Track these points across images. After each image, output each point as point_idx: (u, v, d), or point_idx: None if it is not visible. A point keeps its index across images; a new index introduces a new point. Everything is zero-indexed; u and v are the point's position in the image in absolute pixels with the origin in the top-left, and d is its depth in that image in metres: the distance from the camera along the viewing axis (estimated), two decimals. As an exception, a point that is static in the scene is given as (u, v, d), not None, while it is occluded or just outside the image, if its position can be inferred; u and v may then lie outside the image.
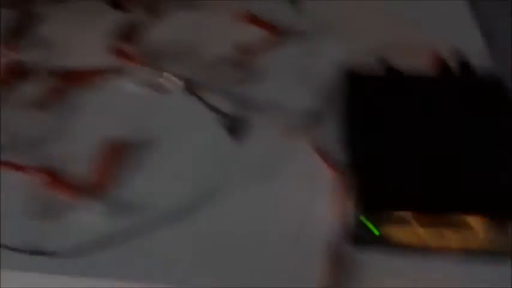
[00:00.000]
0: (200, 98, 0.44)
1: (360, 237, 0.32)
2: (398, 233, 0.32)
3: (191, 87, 0.46)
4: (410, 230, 0.32)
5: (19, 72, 0.49)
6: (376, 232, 0.32)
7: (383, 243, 0.32)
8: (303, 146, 0.41)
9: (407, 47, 0.48)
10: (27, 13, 0.57)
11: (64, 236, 0.36)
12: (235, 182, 0.39)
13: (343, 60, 0.47)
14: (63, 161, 0.41)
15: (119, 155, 0.41)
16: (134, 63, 0.49)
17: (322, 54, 0.50)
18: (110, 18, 0.56)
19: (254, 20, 0.54)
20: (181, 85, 0.46)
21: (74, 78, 0.48)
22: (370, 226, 0.31)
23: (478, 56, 0.47)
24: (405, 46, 0.48)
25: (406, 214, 0.31)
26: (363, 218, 0.31)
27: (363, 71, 0.41)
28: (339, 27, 0.53)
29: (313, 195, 0.38)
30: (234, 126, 0.41)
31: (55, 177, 0.39)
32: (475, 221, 0.31)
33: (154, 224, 0.36)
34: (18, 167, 0.39)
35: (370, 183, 0.32)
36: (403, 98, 0.38)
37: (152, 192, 0.39)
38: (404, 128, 0.35)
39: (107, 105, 0.46)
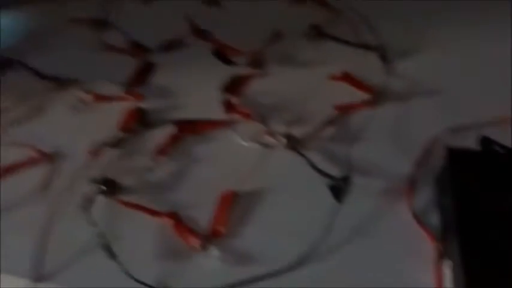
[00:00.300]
0: (302, 155, 0.49)
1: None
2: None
3: (293, 144, 0.50)
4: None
5: (141, 120, 0.57)
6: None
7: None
8: (401, 209, 0.44)
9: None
10: (146, 62, 0.65)
11: (186, 277, 0.41)
12: (334, 239, 0.42)
13: (438, 125, 0.50)
14: (183, 206, 0.47)
15: (232, 204, 0.46)
16: (242, 116, 0.55)
17: (418, 117, 0.53)
18: (219, 70, 0.62)
19: (351, 80, 0.57)
20: (284, 141, 0.50)
21: (190, 129, 0.54)
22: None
23: None
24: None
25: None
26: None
27: (463, 147, 0.43)
28: (435, 89, 0.56)
29: (408, 258, 0.40)
30: (336, 186, 0.45)
31: (179, 221, 0.45)
32: None
33: (261, 276, 0.40)
34: (147, 210, 0.46)
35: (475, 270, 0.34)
36: (502, 175, 0.40)
37: (260, 243, 0.43)
38: (503, 207, 0.37)
39: (218, 156, 0.52)
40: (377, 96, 0.55)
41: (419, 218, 0.43)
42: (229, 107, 0.56)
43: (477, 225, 0.37)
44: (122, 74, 0.63)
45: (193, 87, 0.61)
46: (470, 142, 0.46)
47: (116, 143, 0.54)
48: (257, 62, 0.62)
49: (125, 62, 0.66)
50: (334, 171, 0.47)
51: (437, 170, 0.45)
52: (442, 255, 0.39)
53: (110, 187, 0.48)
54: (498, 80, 0.56)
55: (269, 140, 0.52)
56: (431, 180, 0.46)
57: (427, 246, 0.41)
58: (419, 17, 0.66)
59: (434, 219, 0.43)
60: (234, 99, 0.57)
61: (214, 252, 0.42)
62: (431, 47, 0.62)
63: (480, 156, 0.42)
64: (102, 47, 0.68)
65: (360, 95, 0.56)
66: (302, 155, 0.49)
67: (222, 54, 0.64)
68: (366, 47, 0.62)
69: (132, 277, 0.41)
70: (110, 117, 0.57)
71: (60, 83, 0.63)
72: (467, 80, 0.57)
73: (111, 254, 0.42)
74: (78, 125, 0.58)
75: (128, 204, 0.47)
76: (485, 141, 0.45)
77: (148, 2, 0.77)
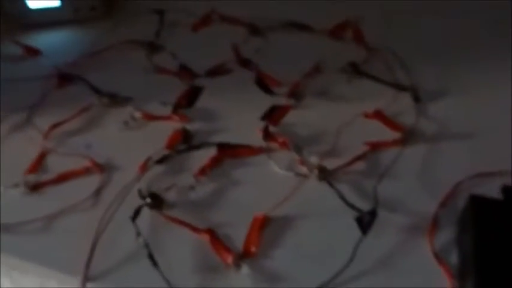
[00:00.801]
0: (333, 186, 0.52)
1: None
2: None
3: (325, 175, 0.54)
4: None
5: (186, 140, 0.62)
6: None
7: None
8: (422, 246, 0.47)
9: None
10: (193, 86, 0.71)
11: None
12: (356, 269, 0.46)
13: (465, 169, 0.52)
14: (219, 225, 0.51)
15: (264, 227, 0.50)
16: (278, 145, 0.59)
17: (445, 159, 0.56)
18: (259, 99, 0.67)
19: (383, 118, 0.61)
20: (316, 172, 0.54)
21: (230, 152, 0.59)
22: None
23: None
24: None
25: None
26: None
27: (485, 196, 0.46)
28: (464, 132, 0.59)
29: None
30: (362, 219, 0.48)
31: (215, 238, 0.49)
32: None
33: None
34: (187, 225, 0.51)
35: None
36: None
37: (287, 265, 0.47)
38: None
39: (254, 180, 0.56)
40: (407, 135, 0.58)
41: (439, 256, 0.46)
42: (267, 135, 0.60)
43: (493, 268, 0.40)
44: (170, 96, 0.69)
45: (235, 113, 0.66)
46: (496, 189, 0.48)
47: (161, 160, 0.59)
48: (296, 94, 0.66)
49: (174, 85, 0.71)
50: (361, 204, 0.50)
51: (460, 213, 0.48)
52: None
53: (155, 201, 0.53)
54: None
55: (302, 169, 0.56)
56: (454, 222, 0.49)
57: (445, 283, 0.44)
58: (452, 60, 0.70)
59: (454, 258, 0.46)
60: (272, 128, 0.62)
61: (245, 270, 0.46)
62: (463, 90, 0.65)
63: (501, 205, 0.45)
64: (154, 69, 0.75)
65: (391, 134, 0.60)
66: (332, 187, 0.52)
67: (264, 84, 0.69)
68: (399, 86, 0.66)
69: (171, 285, 0.45)
70: (157, 135, 0.63)
71: (115, 100, 0.68)
72: (497, 126, 0.59)
73: (154, 263, 0.47)
74: (129, 140, 0.64)
75: (170, 218, 0.52)
76: (507, 190, 0.48)
77: (197, 30, 0.83)
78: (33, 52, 0.81)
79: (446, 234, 0.48)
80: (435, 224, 0.48)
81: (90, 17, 0.86)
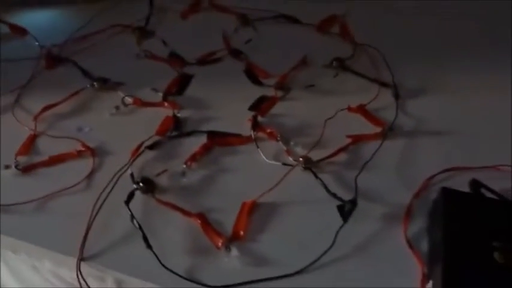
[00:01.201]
0: (317, 177, 0.56)
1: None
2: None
3: (309, 166, 0.57)
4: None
5: (177, 127, 0.64)
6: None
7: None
8: (397, 234, 0.51)
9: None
10: (184, 74, 0.72)
11: (208, 271, 0.49)
12: (336, 253, 0.50)
13: (439, 164, 0.57)
14: (209, 209, 0.54)
15: (252, 212, 0.53)
16: (266, 135, 0.62)
17: (421, 152, 0.60)
18: (248, 88, 0.70)
19: (365, 113, 0.65)
20: (301, 162, 0.58)
21: (220, 141, 0.62)
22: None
23: None
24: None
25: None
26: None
27: (456, 189, 0.50)
28: (440, 130, 0.63)
29: (398, 277, 0.48)
30: (343, 207, 0.52)
31: (206, 222, 0.52)
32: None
33: (272, 277, 0.48)
34: (178, 209, 0.53)
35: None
36: (485, 215, 0.47)
37: (273, 248, 0.51)
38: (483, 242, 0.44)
39: (243, 168, 0.59)
40: (386, 130, 0.62)
41: (412, 243, 0.50)
42: (255, 125, 0.63)
43: (459, 255, 0.45)
44: (161, 82, 0.71)
45: (224, 102, 0.68)
46: (466, 182, 0.53)
47: (153, 146, 0.61)
48: (283, 86, 0.69)
49: (164, 71, 0.73)
50: (343, 194, 0.54)
51: (431, 204, 0.52)
52: (427, 277, 0.47)
53: (148, 185, 0.55)
54: (501, 127, 0.62)
55: (289, 159, 0.59)
56: (426, 212, 0.53)
57: (415, 268, 0.48)
58: (432, 61, 0.74)
59: (425, 245, 0.50)
60: (260, 118, 0.64)
61: (234, 252, 0.50)
62: (442, 89, 0.69)
63: (470, 197, 0.49)
64: (145, 55, 0.76)
65: (372, 127, 0.63)
66: (317, 177, 0.56)
67: (253, 75, 0.71)
68: (381, 83, 0.69)
69: (164, 266, 0.48)
70: (148, 121, 0.65)
71: (107, 84, 0.70)
72: (471, 124, 0.64)
73: (148, 245, 0.49)
74: (120, 124, 0.66)
75: (162, 202, 0.54)
76: (475, 184, 0.52)
77: (186, 17, 0.84)
78: (20, 32, 0.80)
79: (419, 224, 0.52)
80: (409, 214, 0.53)
81: (80, -2, 0.87)
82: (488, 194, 0.52)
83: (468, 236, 0.46)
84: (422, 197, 0.55)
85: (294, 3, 0.85)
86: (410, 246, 0.49)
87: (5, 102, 0.69)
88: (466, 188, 0.53)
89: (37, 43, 0.77)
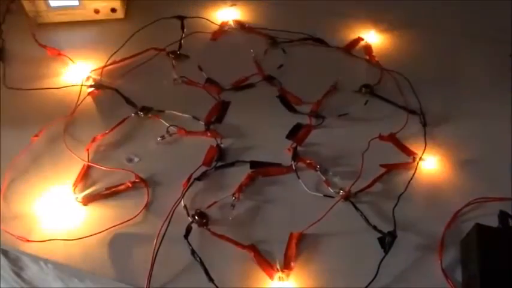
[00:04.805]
0: (357, 209, 0.61)
1: None
2: None
3: (349, 197, 0.63)
4: None
5: (220, 157, 0.68)
6: None
7: None
8: (433, 264, 0.57)
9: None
10: (222, 101, 0.76)
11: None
12: (378, 283, 0.55)
13: (468, 193, 0.62)
14: (258, 240, 0.59)
15: (299, 243, 0.58)
16: (305, 165, 0.67)
17: (449, 182, 0.65)
18: (281, 113, 0.74)
19: (396, 142, 0.69)
20: (341, 194, 0.63)
21: (263, 171, 0.66)
22: None
23: None
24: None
25: None
26: None
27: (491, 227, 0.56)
28: (467, 157, 0.68)
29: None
30: (384, 239, 0.57)
31: (257, 253, 0.57)
32: None
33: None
34: (232, 241, 0.58)
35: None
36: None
37: (320, 278, 0.56)
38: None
39: (286, 199, 0.64)
40: (418, 161, 0.67)
41: (447, 274, 0.56)
42: (295, 155, 0.67)
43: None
44: (199, 108, 0.74)
45: (260, 129, 0.73)
46: (494, 213, 0.58)
47: (200, 177, 0.65)
48: (318, 114, 0.73)
49: (201, 96, 0.76)
50: (379, 223, 0.60)
51: (464, 237, 0.58)
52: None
53: (202, 218, 0.60)
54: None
55: (329, 190, 0.64)
56: (456, 242, 0.59)
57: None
58: (457, 87, 0.79)
59: (458, 275, 0.56)
60: (298, 147, 0.69)
61: (287, 283, 0.55)
62: (466, 117, 0.74)
63: (502, 232, 0.56)
64: (181, 80, 0.79)
65: (402, 156, 0.68)
66: (357, 209, 0.61)
67: (287, 102, 0.75)
68: (410, 111, 0.74)
69: (226, 297, 0.53)
70: (192, 150, 0.69)
71: (150, 112, 0.73)
72: (497, 152, 0.69)
73: (210, 278, 0.55)
74: (166, 154, 0.70)
75: (217, 235, 0.59)
76: (503, 216, 0.58)
77: (216, 38, 0.87)
78: (56, 53, 0.83)
79: (451, 254, 0.58)
80: (442, 245, 0.58)
81: (110, 18, 0.89)
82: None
83: (502, 269, 0.51)
84: (452, 228, 0.60)
85: (322, 25, 0.88)
86: (447, 276, 0.55)
87: (52, 132, 0.72)
88: (494, 220, 0.58)
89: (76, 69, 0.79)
